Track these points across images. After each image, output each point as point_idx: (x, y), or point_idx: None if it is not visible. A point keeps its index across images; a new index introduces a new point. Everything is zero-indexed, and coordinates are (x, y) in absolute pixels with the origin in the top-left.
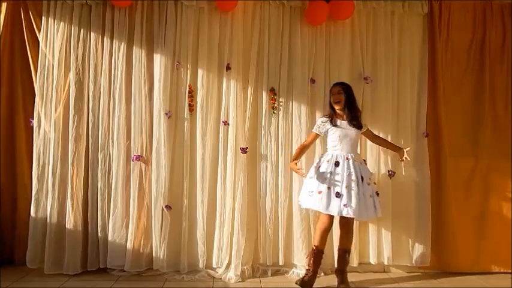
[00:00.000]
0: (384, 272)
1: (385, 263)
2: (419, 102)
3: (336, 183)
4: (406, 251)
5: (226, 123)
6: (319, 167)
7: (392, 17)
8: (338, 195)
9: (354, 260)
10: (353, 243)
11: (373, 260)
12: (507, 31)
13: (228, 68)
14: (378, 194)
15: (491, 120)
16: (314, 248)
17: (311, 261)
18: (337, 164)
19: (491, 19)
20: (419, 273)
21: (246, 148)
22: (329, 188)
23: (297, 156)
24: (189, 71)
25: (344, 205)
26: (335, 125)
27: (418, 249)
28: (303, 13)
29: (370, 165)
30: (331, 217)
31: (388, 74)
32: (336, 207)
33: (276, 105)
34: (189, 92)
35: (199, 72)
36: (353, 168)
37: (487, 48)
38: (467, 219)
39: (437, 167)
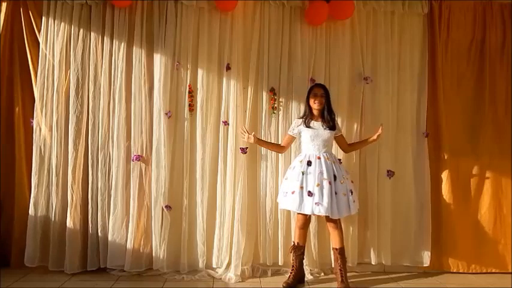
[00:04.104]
0: (384, 272)
1: (385, 263)
2: (419, 102)
3: (308, 182)
4: (406, 251)
5: (226, 123)
6: (294, 167)
7: (392, 17)
8: (310, 194)
9: (354, 260)
10: (353, 243)
11: (373, 260)
12: (507, 31)
13: (228, 68)
14: (352, 192)
15: (491, 120)
16: (294, 244)
17: (292, 257)
18: (309, 163)
19: (491, 19)
20: (419, 273)
21: (246, 148)
22: (302, 188)
23: (266, 144)
24: (189, 71)
25: (316, 203)
26: (308, 126)
27: (418, 249)
28: (303, 13)
29: (370, 166)
30: (306, 215)
31: (388, 74)
32: (309, 206)
33: (276, 105)
34: (189, 92)
35: (199, 72)
36: (325, 167)
37: (487, 48)
38: (467, 219)
39: (437, 167)
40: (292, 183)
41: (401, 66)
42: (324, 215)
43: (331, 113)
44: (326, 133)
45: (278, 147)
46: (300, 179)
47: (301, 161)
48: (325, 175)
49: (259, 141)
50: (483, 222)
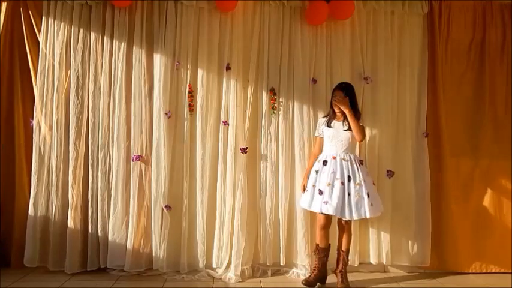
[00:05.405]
0: (384, 272)
1: (385, 263)
2: (419, 102)
3: (321, 181)
4: (406, 250)
5: (226, 123)
6: (314, 166)
7: (392, 17)
8: (320, 192)
9: (355, 261)
10: (354, 243)
11: (372, 260)
12: (507, 31)
13: (228, 68)
14: (368, 196)
15: (491, 120)
16: (316, 245)
17: (315, 259)
18: (324, 163)
19: (491, 19)
20: (419, 273)
21: (246, 148)
22: (314, 186)
23: (311, 166)
24: (189, 71)
25: (324, 202)
26: (328, 126)
27: (418, 249)
28: (303, 13)
29: (369, 166)
30: (327, 215)
31: (388, 74)
32: (317, 204)
33: (276, 105)
34: (189, 92)
35: (199, 72)
36: (338, 167)
37: (487, 48)
38: (467, 219)
39: (437, 167)
40: (309, 181)
41: (401, 66)
42: (332, 214)
43: (355, 112)
44: (345, 134)
45: (315, 158)
46: (314, 178)
47: (319, 161)
48: (337, 175)
49: (306, 176)
50: (483, 222)
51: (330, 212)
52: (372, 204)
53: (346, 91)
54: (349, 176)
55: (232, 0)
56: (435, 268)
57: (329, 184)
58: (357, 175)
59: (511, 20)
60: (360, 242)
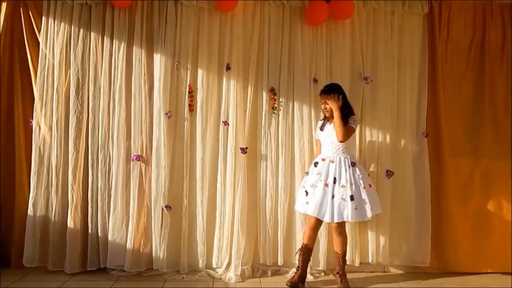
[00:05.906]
0: (384, 271)
1: (385, 263)
2: (419, 102)
3: (307, 182)
4: (406, 250)
5: (226, 123)
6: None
7: (392, 17)
8: (306, 193)
9: (355, 261)
10: (354, 243)
11: (373, 260)
12: (507, 31)
13: (228, 68)
14: (352, 199)
15: (491, 120)
16: (302, 245)
17: (299, 259)
18: (315, 164)
19: (491, 19)
20: (419, 273)
21: (246, 148)
22: (303, 187)
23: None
24: (189, 71)
25: (306, 202)
26: (321, 129)
27: (418, 249)
28: (303, 13)
29: (369, 166)
30: (316, 217)
31: (388, 74)
32: (302, 205)
33: (276, 105)
34: (189, 92)
35: (199, 72)
36: (324, 169)
37: (487, 48)
38: (467, 219)
39: (437, 167)
40: (302, 183)
41: (401, 66)
42: (310, 215)
43: (347, 114)
44: (334, 136)
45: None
46: (304, 179)
47: (312, 162)
48: (322, 176)
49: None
50: (483, 222)
51: (309, 212)
52: (356, 208)
53: (333, 92)
54: (335, 178)
55: (232, 0)
56: (435, 268)
57: (312, 185)
58: (343, 177)
59: (511, 20)
60: (360, 242)
